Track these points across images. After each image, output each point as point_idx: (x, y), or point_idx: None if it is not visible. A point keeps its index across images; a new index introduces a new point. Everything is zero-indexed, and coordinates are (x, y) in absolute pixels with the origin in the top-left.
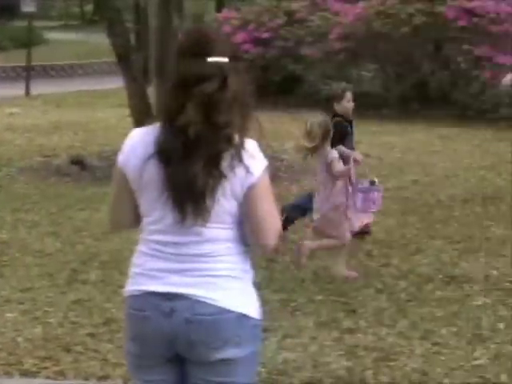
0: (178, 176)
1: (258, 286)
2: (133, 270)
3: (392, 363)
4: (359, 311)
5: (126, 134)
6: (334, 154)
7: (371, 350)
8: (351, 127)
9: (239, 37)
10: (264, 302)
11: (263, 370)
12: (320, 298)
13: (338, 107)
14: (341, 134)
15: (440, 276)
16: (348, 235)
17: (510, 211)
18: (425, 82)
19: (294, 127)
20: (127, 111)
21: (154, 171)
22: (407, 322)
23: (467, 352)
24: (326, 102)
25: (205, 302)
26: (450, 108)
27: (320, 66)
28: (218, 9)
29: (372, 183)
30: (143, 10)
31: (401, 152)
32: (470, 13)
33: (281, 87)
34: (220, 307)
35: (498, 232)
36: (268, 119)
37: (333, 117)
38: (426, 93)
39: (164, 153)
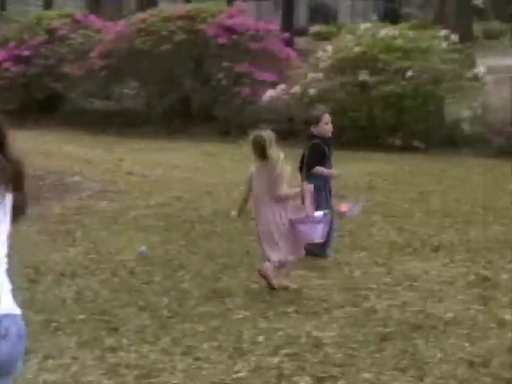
0: None
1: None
2: None
3: (154, 380)
4: (121, 329)
5: None
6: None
7: (133, 368)
8: (329, 148)
9: None
10: (26, 323)
11: None
12: (82, 317)
13: (315, 129)
14: (319, 156)
15: (202, 291)
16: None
17: None
18: (187, 99)
19: (56, 145)
20: None
21: None
22: (169, 339)
23: (228, 366)
24: (90, 121)
25: None
26: (213, 124)
27: (82, 84)
28: None
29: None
30: None
31: (164, 169)
32: (230, 30)
33: (43, 105)
34: None
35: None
36: (30, 138)
37: (310, 138)
38: (189, 109)
39: None
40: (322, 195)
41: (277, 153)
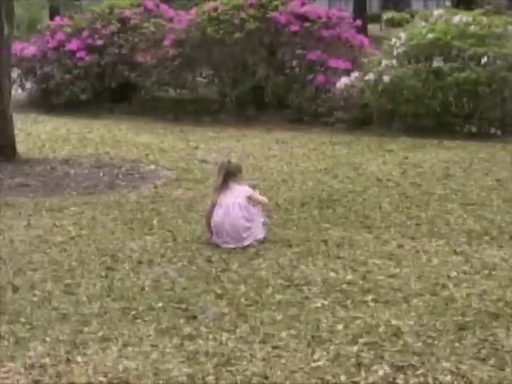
0: None
1: (98, 294)
2: None
3: (233, 368)
4: (199, 317)
5: None
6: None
7: (212, 356)
8: None
9: (73, 44)
10: (104, 311)
11: (104, 379)
12: (160, 305)
13: None
14: None
15: (279, 280)
16: None
17: (346, 214)
18: (260, 87)
19: (131, 134)
20: None
21: None
22: (247, 327)
23: (307, 354)
24: (163, 109)
25: None
26: (286, 112)
27: (155, 73)
28: (52, 16)
29: None
30: None
31: (238, 157)
32: (303, 18)
33: (117, 94)
34: None
35: (335, 234)
36: (105, 127)
37: None
38: (262, 97)
39: None
40: None
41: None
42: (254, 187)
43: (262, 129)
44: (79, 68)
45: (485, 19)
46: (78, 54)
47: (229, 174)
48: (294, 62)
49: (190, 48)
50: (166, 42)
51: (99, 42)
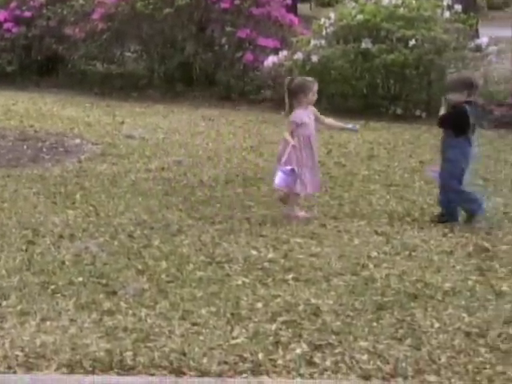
0: None
1: (18, 268)
2: None
3: (151, 344)
4: (119, 293)
5: None
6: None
7: (131, 332)
8: None
9: (0, 16)
10: (23, 285)
11: (21, 353)
12: (80, 279)
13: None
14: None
15: (201, 257)
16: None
17: (270, 192)
18: (189, 63)
19: (57, 107)
20: None
21: None
22: (167, 303)
23: (225, 331)
24: (91, 83)
25: None
26: (214, 89)
27: (83, 46)
28: None
29: None
30: None
31: (165, 133)
32: None
33: (44, 67)
34: None
35: (259, 213)
36: (31, 99)
37: None
38: (191, 74)
39: None
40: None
41: None
42: None
43: (190, 105)
44: (6, 40)
45: (414, 2)
46: (5, 26)
47: (290, 94)
48: (224, 39)
49: (119, 22)
50: (95, 16)
51: (27, 14)
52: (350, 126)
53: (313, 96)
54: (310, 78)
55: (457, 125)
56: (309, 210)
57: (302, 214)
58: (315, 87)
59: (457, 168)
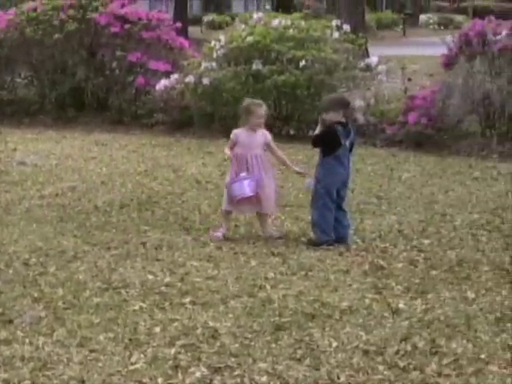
0: None
1: None
2: None
3: (49, 372)
4: (16, 321)
5: None
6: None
7: (28, 360)
8: None
9: None
10: None
11: None
12: None
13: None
14: None
15: (97, 283)
16: None
17: (165, 216)
18: (80, 88)
19: None
20: None
21: None
22: (65, 330)
23: (124, 357)
24: None
25: None
26: (106, 114)
27: None
28: None
29: None
30: None
31: (57, 159)
32: (123, 19)
33: None
34: None
35: (154, 237)
36: None
37: None
38: (82, 99)
39: None
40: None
41: None
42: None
43: (82, 130)
44: None
45: (303, 23)
46: None
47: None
48: (114, 64)
49: (9, 48)
50: None
51: None
52: (298, 169)
53: (257, 119)
54: (256, 101)
55: (326, 144)
56: (277, 228)
57: (218, 234)
58: (260, 111)
59: (322, 188)
